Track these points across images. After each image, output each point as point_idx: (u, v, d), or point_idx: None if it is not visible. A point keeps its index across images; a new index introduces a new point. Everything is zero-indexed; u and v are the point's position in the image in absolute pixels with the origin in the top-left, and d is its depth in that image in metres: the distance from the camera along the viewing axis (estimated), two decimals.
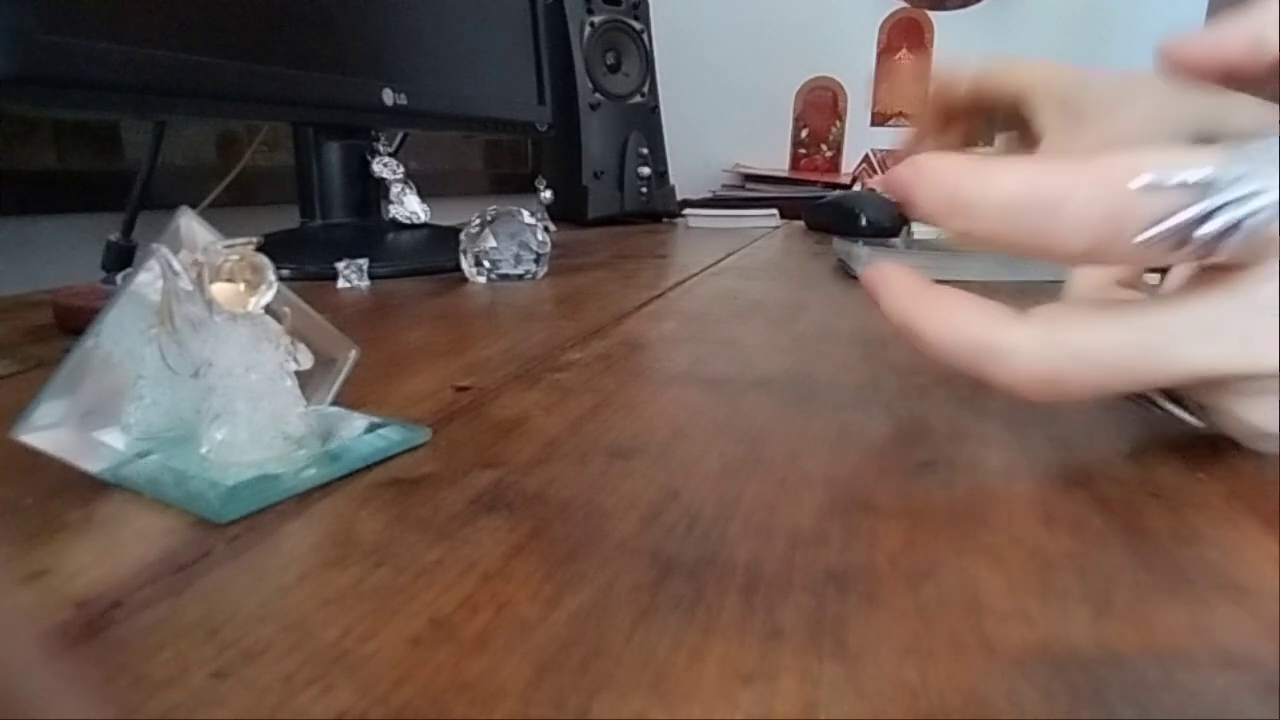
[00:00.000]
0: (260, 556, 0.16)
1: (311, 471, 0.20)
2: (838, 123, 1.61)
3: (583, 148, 1.11)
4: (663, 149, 1.21)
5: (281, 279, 0.20)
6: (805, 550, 0.16)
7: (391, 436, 0.22)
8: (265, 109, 0.56)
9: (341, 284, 0.53)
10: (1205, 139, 0.19)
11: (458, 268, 0.56)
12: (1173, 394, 0.22)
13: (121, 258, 0.57)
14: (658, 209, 1.18)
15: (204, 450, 0.20)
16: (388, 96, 0.62)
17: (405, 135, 0.79)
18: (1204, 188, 0.16)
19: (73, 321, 0.38)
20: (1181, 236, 0.17)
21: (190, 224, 0.21)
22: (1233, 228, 0.16)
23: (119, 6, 0.44)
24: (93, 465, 0.20)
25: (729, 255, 0.74)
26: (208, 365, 0.20)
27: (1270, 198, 0.16)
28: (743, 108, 1.61)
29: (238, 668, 0.12)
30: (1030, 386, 0.19)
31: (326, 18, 0.58)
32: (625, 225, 1.12)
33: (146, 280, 0.20)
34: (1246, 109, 0.22)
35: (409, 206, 0.65)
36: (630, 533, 0.17)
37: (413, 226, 0.66)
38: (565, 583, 0.15)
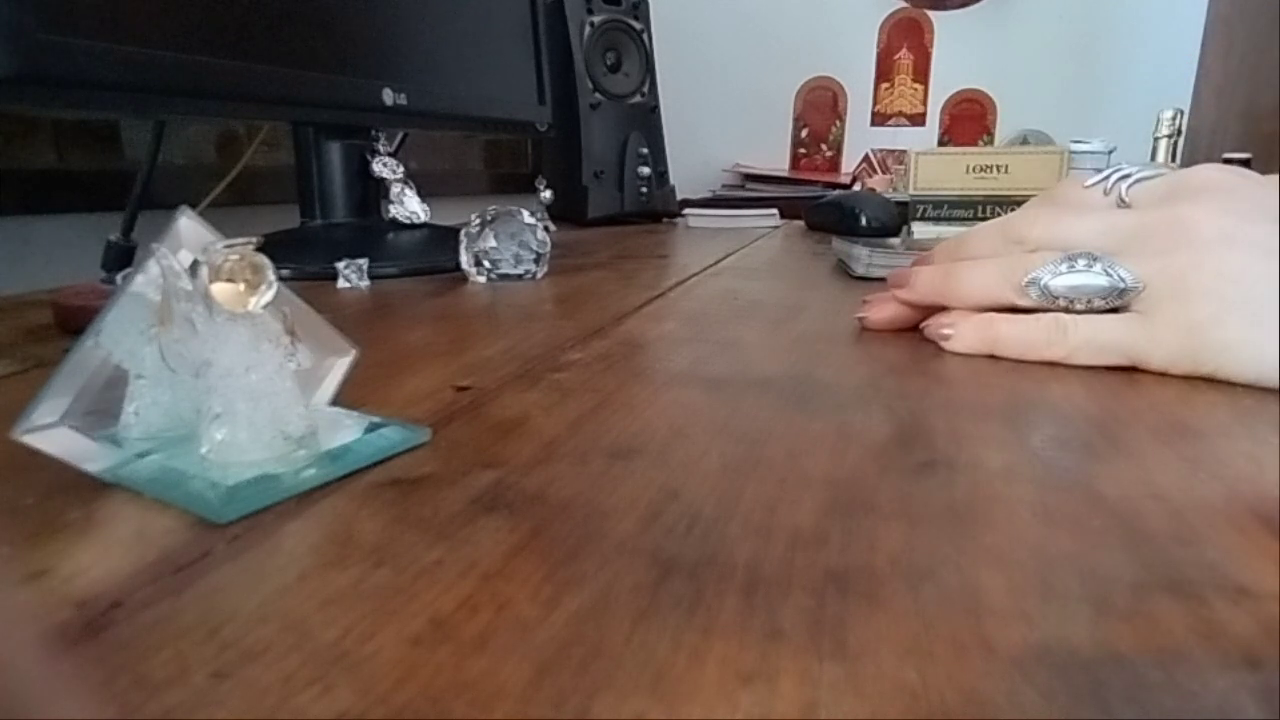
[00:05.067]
0: (260, 556, 0.16)
1: (311, 471, 0.20)
2: (838, 123, 1.61)
3: (583, 148, 1.11)
4: (663, 149, 1.21)
5: (281, 279, 0.20)
6: (805, 550, 0.16)
7: (391, 437, 0.22)
8: (265, 109, 0.55)
9: (341, 284, 0.53)
10: None
11: (458, 268, 0.56)
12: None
13: (121, 258, 0.58)
14: (658, 209, 1.18)
15: (204, 450, 0.20)
16: (388, 96, 0.62)
17: (405, 135, 0.79)
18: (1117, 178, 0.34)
19: (73, 321, 0.38)
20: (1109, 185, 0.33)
21: (190, 224, 0.21)
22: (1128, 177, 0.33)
23: (119, 6, 0.44)
24: (93, 465, 0.20)
25: (729, 255, 0.74)
26: (208, 365, 0.20)
27: (1141, 174, 0.33)
28: (743, 108, 1.61)
29: (238, 668, 0.12)
30: None
31: (326, 18, 0.58)
32: (625, 225, 1.12)
33: (146, 280, 0.20)
34: None
35: (409, 206, 0.65)
36: (630, 533, 0.17)
37: (413, 226, 0.66)
38: (565, 583, 0.15)
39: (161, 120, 0.58)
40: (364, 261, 0.54)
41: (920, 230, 0.75)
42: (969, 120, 1.56)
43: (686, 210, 1.19)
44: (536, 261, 0.57)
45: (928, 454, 0.22)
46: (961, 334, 0.34)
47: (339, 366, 0.25)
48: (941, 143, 1.56)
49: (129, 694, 0.12)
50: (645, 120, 1.18)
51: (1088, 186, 0.34)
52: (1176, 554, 0.16)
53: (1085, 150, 0.88)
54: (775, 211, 1.13)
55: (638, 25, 1.16)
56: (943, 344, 0.34)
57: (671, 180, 1.23)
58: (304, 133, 0.65)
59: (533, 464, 0.21)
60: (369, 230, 0.66)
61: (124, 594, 0.15)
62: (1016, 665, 0.13)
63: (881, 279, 0.55)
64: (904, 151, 1.47)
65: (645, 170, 1.15)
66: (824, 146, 1.62)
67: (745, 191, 1.44)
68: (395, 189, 0.66)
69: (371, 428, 0.22)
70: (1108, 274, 0.30)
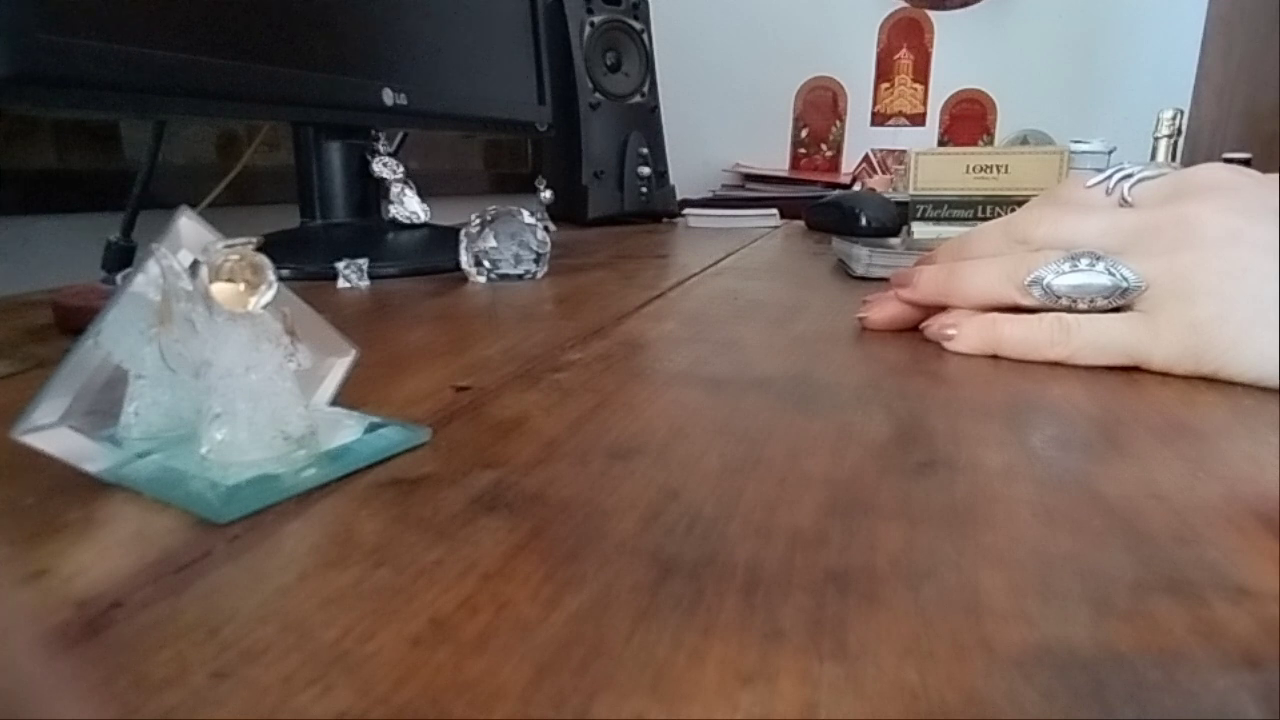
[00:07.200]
0: (260, 556, 0.16)
1: (311, 471, 0.20)
2: (838, 123, 1.61)
3: (583, 148, 1.11)
4: (663, 149, 1.21)
5: (281, 279, 0.20)
6: (805, 550, 0.16)
7: (391, 437, 0.22)
8: (265, 109, 0.56)
9: (341, 284, 0.53)
10: None
11: (458, 268, 0.56)
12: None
13: (121, 258, 0.58)
14: (658, 209, 1.18)
15: (204, 450, 0.20)
16: (388, 96, 0.62)
17: (405, 135, 0.79)
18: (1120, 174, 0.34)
19: (73, 321, 0.38)
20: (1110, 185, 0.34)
21: (190, 224, 0.21)
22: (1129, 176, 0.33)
23: (119, 6, 0.44)
24: (93, 465, 0.20)
25: (729, 255, 0.74)
26: (208, 365, 0.20)
27: (1143, 174, 0.33)
28: (743, 108, 1.61)
29: (238, 668, 0.12)
30: None
31: (326, 18, 0.58)
32: (625, 225, 1.12)
33: (146, 280, 0.20)
34: None
35: (409, 206, 0.65)
36: (630, 533, 0.17)
37: (413, 226, 0.66)
38: (565, 583, 0.15)
39: (161, 120, 0.58)
40: (364, 261, 0.54)
41: (920, 230, 0.75)
42: (969, 120, 1.56)
43: (686, 210, 1.19)
44: (536, 261, 0.57)
45: (928, 454, 0.22)
46: (965, 334, 0.34)
47: (339, 366, 0.25)
48: (941, 143, 1.56)
49: (129, 694, 0.12)
50: (645, 120, 1.18)
51: (1090, 186, 0.34)
52: (1176, 554, 0.16)
53: (1085, 150, 0.88)
54: (775, 211, 1.13)
55: (638, 25, 1.16)
56: (946, 344, 0.34)
57: (671, 180, 1.23)
58: (304, 133, 0.65)
59: (533, 464, 0.21)
60: (369, 230, 0.66)
61: (124, 594, 0.15)
62: (1016, 665, 0.13)
63: (881, 279, 0.55)
64: (904, 151, 1.47)
65: (645, 170, 1.15)
66: (824, 146, 1.61)
67: (745, 191, 1.44)
68: (395, 189, 0.66)
69: (371, 428, 0.22)
70: (1111, 273, 0.30)
